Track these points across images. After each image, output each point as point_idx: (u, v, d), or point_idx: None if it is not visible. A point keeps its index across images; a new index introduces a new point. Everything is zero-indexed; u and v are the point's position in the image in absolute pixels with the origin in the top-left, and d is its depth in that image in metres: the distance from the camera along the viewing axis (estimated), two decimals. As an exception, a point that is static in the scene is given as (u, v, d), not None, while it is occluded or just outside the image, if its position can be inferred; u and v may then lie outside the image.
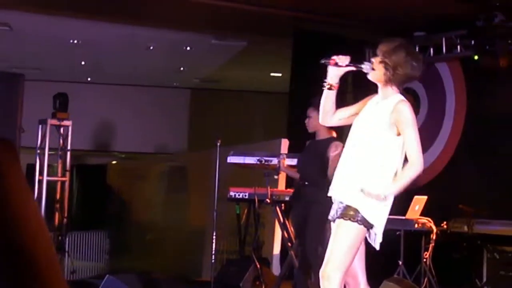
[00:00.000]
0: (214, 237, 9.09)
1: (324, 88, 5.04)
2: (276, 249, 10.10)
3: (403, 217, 8.71)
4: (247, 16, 10.64)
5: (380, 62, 4.85)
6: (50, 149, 11.45)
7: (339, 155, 7.41)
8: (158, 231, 14.24)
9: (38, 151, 11.43)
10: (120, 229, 15.32)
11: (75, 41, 12.70)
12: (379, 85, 4.93)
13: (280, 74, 14.71)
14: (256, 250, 9.26)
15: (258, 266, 8.75)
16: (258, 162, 8.66)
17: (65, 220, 11.55)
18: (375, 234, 4.85)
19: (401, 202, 9.18)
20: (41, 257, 1.25)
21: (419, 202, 8.83)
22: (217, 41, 12.52)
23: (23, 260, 1.23)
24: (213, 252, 9.01)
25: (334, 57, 4.93)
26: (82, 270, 13.69)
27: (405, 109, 4.78)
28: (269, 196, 8.42)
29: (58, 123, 11.54)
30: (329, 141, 7.39)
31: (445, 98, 10.51)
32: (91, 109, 15.77)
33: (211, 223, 9.27)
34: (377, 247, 4.91)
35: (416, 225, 8.65)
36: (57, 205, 11.51)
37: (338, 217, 4.80)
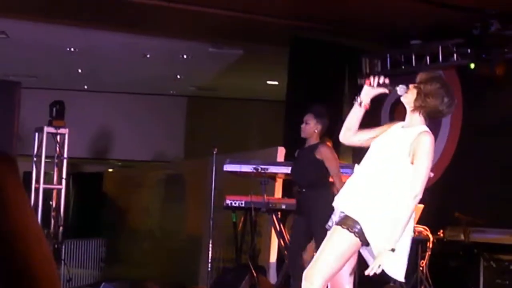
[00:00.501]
0: (210, 245, 9.08)
1: (355, 103, 5.03)
2: (273, 257, 10.09)
3: (400, 226, 8.69)
4: (244, 24, 10.66)
5: (415, 87, 4.87)
6: (46, 157, 11.45)
7: (331, 153, 7.55)
8: (154, 239, 14.22)
9: (35, 159, 11.43)
10: (116, 237, 15.29)
11: (72, 49, 12.71)
12: (408, 110, 4.94)
13: (276, 82, 14.72)
14: (253, 258, 9.25)
15: (255, 274, 8.73)
16: (254, 170, 8.66)
17: (61, 228, 11.54)
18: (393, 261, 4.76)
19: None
20: (39, 269, 1.25)
21: (415, 210, 8.83)
22: (214, 49, 12.53)
23: (21, 272, 1.23)
24: (210, 260, 9.00)
25: (372, 78, 4.98)
26: (78, 278, 13.67)
27: (427, 141, 4.77)
28: (265, 204, 8.43)
29: (54, 131, 11.54)
30: (317, 145, 7.48)
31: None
32: (88, 117, 15.77)
33: (208, 231, 9.26)
34: (400, 278, 4.85)
35: (412, 234, 8.65)
36: (54, 213, 11.50)
37: (336, 224, 4.79)
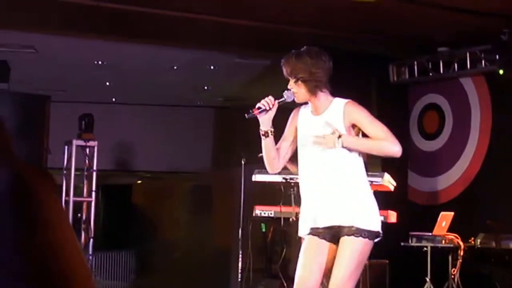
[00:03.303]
0: (240, 255, 9.08)
1: (262, 138, 4.92)
2: (303, 267, 10.05)
3: (430, 234, 8.67)
4: (270, 34, 10.66)
5: (295, 81, 4.81)
6: (76, 169, 11.51)
7: None
8: (183, 250, 14.24)
9: (65, 172, 11.50)
10: (145, 249, 15.33)
11: (100, 62, 12.78)
12: (311, 100, 4.85)
13: (303, 92, 14.70)
14: (283, 268, 9.24)
15: (285, 284, 8.72)
16: (283, 180, 8.65)
17: (91, 240, 11.59)
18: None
19: (428, 219, 9.16)
20: (79, 283, 1.26)
21: (446, 218, 8.79)
22: (241, 60, 12.55)
23: (64, 282, 1.24)
24: (240, 270, 9.00)
25: (258, 105, 4.88)
26: (109, 290, 13.71)
27: (354, 105, 4.75)
28: (294, 214, 8.41)
29: (83, 144, 11.61)
30: None
31: (470, 113, 10.46)
32: (116, 129, 15.84)
33: (237, 242, 9.26)
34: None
35: (443, 241, 8.61)
36: (84, 225, 11.56)
37: (347, 235, 4.70)
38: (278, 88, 16.76)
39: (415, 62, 10.85)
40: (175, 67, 13.21)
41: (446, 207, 9.55)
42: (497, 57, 9.61)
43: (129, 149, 16.61)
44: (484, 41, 9.73)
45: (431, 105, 11.03)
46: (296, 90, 4.83)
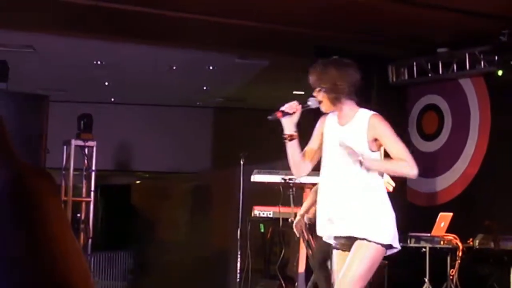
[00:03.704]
0: (239, 256, 9.08)
1: (285, 141, 4.96)
2: (301, 267, 10.06)
3: (429, 234, 8.67)
4: (269, 35, 10.66)
5: (319, 91, 4.85)
6: (74, 169, 11.51)
7: None
8: (182, 250, 14.24)
9: (63, 172, 11.50)
10: (144, 249, 15.33)
11: (99, 62, 12.78)
12: (335, 110, 4.91)
13: (302, 92, 14.70)
14: (281, 268, 9.24)
15: (284, 285, 8.72)
16: (282, 181, 8.66)
17: (90, 240, 11.59)
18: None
19: (427, 220, 9.16)
20: (79, 284, 1.26)
21: (444, 219, 8.80)
22: (240, 60, 12.55)
23: (60, 285, 1.24)
24: (238, 271, 9.00)
25: (282, 108, 4.89)
26: (107, 290, 13.70)
27: (380, 120, 4.78)
28: (293, 215, 8.42)
29: (82, 143, 11.61)
30: None
31: (469, 114, 10.46)
32: (115, 129, 15.84)
33: (236, 242, 9.26)
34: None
35: (442, 242, 8.61)
36: (82, 226, 11.56)
37: (360, 239, 4.74)
38: (276, 88, 16.77)
39: (414, 63, 10.85)
40: (174, 68, 13.21)
41: (445, 208, 9.55)
42: (496, 58, 9.61)
43: (128, 149, 16.61)
44: (483, 42, 9.73)
45: (430, 106, 11.03)
46: (320, 99, 4.88)
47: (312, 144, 5.05)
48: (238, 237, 9.10)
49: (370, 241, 4.70)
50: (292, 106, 4.86)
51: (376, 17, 9.55)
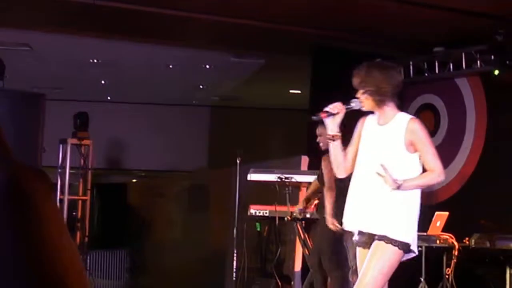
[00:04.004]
0: (235, 254, 9.08)
1: (330, 142, 5.05)
2: (297, 266, 10.08)
3: (425, 233, 8.67)
4: (266, 33, 10.66)
5: (363, 93, 4.94)
6: (71, 168, 11.50)
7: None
8: (178, 249, 14.24)
9: (59, 170, 11.48)
10: (140, 248, 15.33)
11: (95, 60, 12.77)
12: (377, 111, 5.02)
13: (299, 91, 14.72)
14: (278, 267, 9.25)
15: (280, 283, 8.72)
16: (278, 179, 8.66)
17: (86, 238, 11.58)
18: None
19: (423, 219, 9.16)
20: (73, 284, 1.26)
21: (440, 218, 8.80)
22: (236, 59, 12.55)
23: (55, 286, 1.24)
24: (234, 270, 9.00)
25: (326, 109, 4.98)
26: (103, 288, 13.71)
27: (418, 125, 4.92)
28: (289, 214, 8.43)
29: (78, 142, 11.60)
30: None
31: (466, 114, 10.47)
32: (111, 127, 15.84)
33: (232, 241, 9.27)
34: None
35: (438, 241, 8.62)
36: (78, 224, 11.55)
37: (378, 240, 4.83)
38: (273, 87, 16.72)
39: (411, 62, 10.84)
40: (170, 66, 13.21)
41: (441, 207, 9.54)
42: (493, 57, 9.61)
43: (124, 147, 16.60)
44: (480, 41, 9.73)
45: (427, 105, 11.02)
46: (363, 100, 4.96)
47: (353, 145, 5.14)
48: (234, 235, 9.11)
49: (389, 240, 4.78)
50: (336, 107, 4.95)
51: (372, 17, 9.55)
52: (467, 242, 8.87)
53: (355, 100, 4.98)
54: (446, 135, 10.66)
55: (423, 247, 8.60)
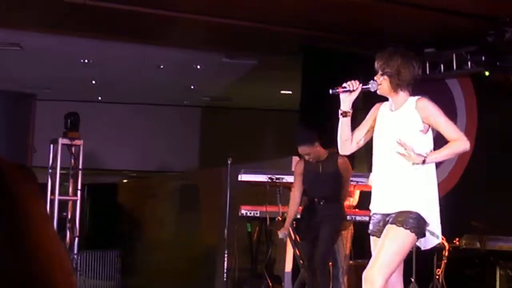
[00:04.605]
0: (226, 255, 9.08)
1: (340, 117, 5.12)
2: (288, 266, 10.07)
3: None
4: (257, 34, 10.66)
5: (382, 74, 5.02)
6: (61, 168, 11.48)
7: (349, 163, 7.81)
8: (169, 250, 14.23)
9: (50, 170, 11.46)
10: (131, 248, 15.31)
11: (86, 61, 12.75)
12: (391, 96, 5.09)
13: (290, 92, 14.72)
14: (268, 267, 9.24)
15: (270, 284, 8.72)
16: (269, 180, 8.66)
17: (76, 239, 11.56)
18: (432, 234, 5.00)
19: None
20: (60, 283, 1.25)
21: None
22: (228, 59, 12.54)
23: (42, 286, 1.23)
24: (225, 270, 9.00)
25: (344, 84, 5.06)
26: (94, 289, 13.68)
27: (427, 102, 5.03)
28: (280, 214, 8.43)
29: (69, 142, 11.58)
30: (335, 158, 7.67)
31: (456, 115, 10.48)
32: (102, 128, 15.81)
33: (223, 241, 9.26)
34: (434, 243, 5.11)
35: (428, 242, 8.61)
36: (69, 224, 11.53)
37: (390, 223, 4.86)
38: (264, 88, 16.71)
39: (402, 63, 10.84)
40: (161, 66, 13.20)
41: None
42: (483, 58, 9.62)
43: (115, 148, 16.58)
44: (470, 42, 9.75)
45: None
46: (380, 82, 5.03)
47: (363, 127, 5.25)
48: (225, 236, 9.10)
49: (401, 223, 4.81)
50: (354, 84, 5.03)
51: (363, 17, 9.56)
52: (457, 243, 8.88)
53: (373, 81, 5.05)
54: (436, 136, 10.65)
55: (413, 248, 8.60)
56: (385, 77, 5.00)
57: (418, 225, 4.86)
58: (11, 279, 1.21)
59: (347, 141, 5.17)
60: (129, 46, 11.95)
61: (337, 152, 7.67)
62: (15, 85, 12.67)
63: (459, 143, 5.01)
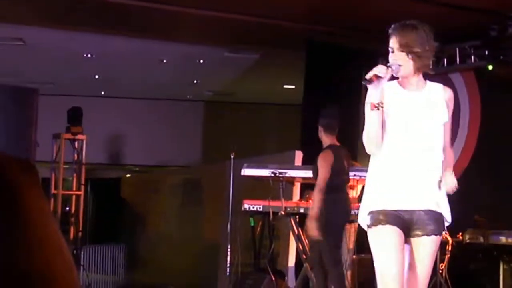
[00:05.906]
0: (228, 249, 9.08)
1: (373, 110, 4.38)
2: (291, 261, 10.08)
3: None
4: (260, 28, 10.65)
5: (406, 54, 4.43)
6: (64, 163, 11.49)
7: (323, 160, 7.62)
8: (173, 244, 14.24)
9: (53, 165, 11.47)
10: (135, 242, 15.32)
11: (89, 55, 12.75)
12: (410, 77, 4.50)
13: (293, 86, 14.71)
14: (271, 262, 9.24)
15: (273, 278, 8.72)
16: (272, 174, 8.65)
17: (80, 233, 11.58)
18: None
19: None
20: (60, 278, 1.25)
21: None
22: (230, 54, 12.54)
23: (42, 282, 1.22)
24: (228, 265, 9.00)
25: (374, 71, 4.36)
26: (97, 283, 13.69)
27: (452, 98, 4.58)
28: (283, 208, 8.43)
29: (72, 137, 11.60)
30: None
31: (459, 109, 10.47)
32: (105, 122, 15.82)
33: (226, 236, 9.26)
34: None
35: (431, 237, 8.61)
36: (72, 219, 11.55)
37: (436, 234, 4.54)
38: (267, 82, 16.71)
39: (405, 57, 10.84)
40: (164, 61, 13.20)
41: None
42: (487, 52, 9.62)
43: (118, 142, 16.59)
44: (474, 36, 9.74)
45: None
46: (402, 63, 4.41)
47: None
48: (228, 230, 9.10)
49: (439, 232, 4.55)
50: (382, 70, 4.33)
51: (366, 12, 9.55)
52: (461, 238, 8.88)
53: (394, 63, 4.42)
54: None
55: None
56: (411, 56, 4.42)
57: (444, 228, 4.65)
58: (11, 273, 1.20)
59: (380, 137, 4.39)
60: (132, 41, 11.95)
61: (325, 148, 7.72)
62: (18, 80, 12.66)
63: (452, 154, 4.67)
